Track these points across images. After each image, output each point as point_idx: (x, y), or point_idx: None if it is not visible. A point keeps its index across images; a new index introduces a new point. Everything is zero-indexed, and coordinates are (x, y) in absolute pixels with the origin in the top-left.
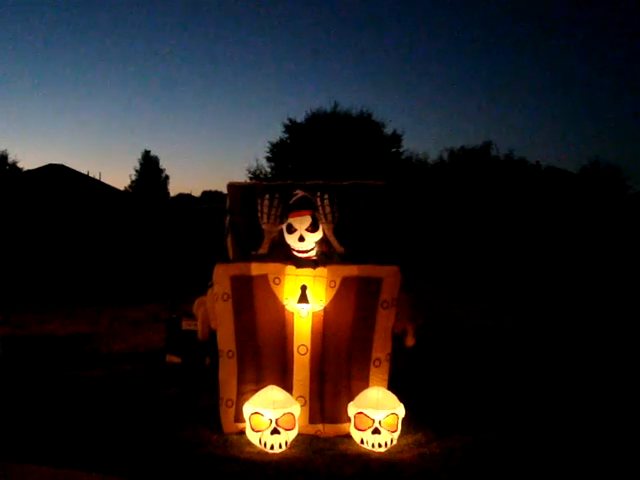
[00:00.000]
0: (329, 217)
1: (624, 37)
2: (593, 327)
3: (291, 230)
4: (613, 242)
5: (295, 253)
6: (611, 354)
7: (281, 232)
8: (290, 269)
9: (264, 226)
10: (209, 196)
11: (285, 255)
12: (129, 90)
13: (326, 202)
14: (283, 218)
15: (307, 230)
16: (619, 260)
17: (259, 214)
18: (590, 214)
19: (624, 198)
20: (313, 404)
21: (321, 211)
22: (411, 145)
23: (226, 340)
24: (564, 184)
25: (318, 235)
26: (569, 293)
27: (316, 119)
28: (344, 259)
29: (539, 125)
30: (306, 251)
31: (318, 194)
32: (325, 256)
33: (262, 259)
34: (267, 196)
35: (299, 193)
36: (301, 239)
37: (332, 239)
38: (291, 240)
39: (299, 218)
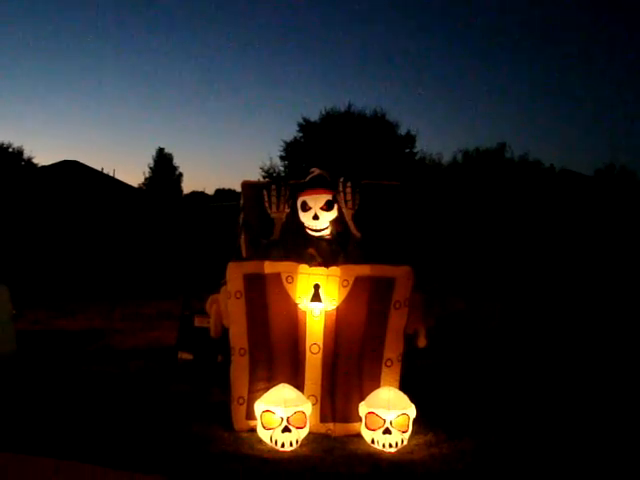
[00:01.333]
0: (349, 203)
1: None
2: (605, 330)
3: (305, 208)
4: (628, 245)
5: (309, 231)
6: (621, 358)
7: (291, 214)
8: (303, 268)
9: (273, 215)
10: (222, 194)
11: (297, 238)
12: (144, 87)
13: (348, 189)
14: (289, 202)
15: (322, 209)
16: (634, 263)
17: (266, 204)
18: (604, 217)
19: (639, 201)
20: (324, 403)
21: (342, 196)
22: (425, 146)
23: (238, 338)
24: (578, 187)
25: (332, 214)
26: (583, 296)
27: (330, 119)
28: (359, 245)
29: (554, 127)
30: (320, 230)
31: (341, 180)
32: (339, 236)
33: (274, 245)
34: (273, 187)
35: (315, 171)
36: (315, 217)
37: (350, 224)
38: (305, 218)
39: (314, 196)
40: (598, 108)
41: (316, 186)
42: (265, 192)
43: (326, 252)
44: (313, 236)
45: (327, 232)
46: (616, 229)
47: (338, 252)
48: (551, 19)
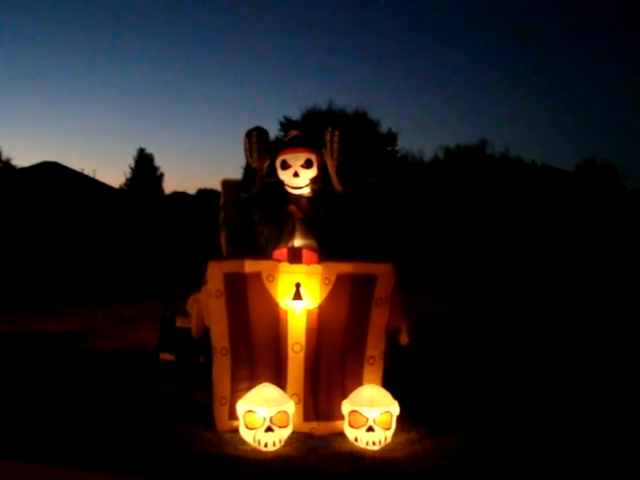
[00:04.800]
0: (335, 154)
1: (620, 35)
2: (589, 325)
3: (285, 166)
4: (609, 241)
5: (289, 189)
6: (608, 353)
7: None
8: (284, 266)
9: (253, 165)
10: (204, 194)
11: (277, 195)
12: (124, 88)
13: (335, 139)
14: (269, 154)
15: (301, 166)
16: (615, 258)
17: (247, 153)
18: (586, 213)
19: (620, 197)
20: (307, 402)
21: (328, 146)
22: (406, 143)
23: (220, 338)
24: (560, 183)
25: (312, 172)
26: (565, 291)
27: (311, 117)
28: (341, 200)
29: (535, 123)
30: (300, 187)
31: (329, 129)
32: (320, 192)
33: (254, 201)
34: (254, 133)
35: (293, 132)
36: (295, 175)
37: (334, 176)
38: (285, 176)
39: (293, 155)
40: (579, 104)
41: (296, 145)
42: (246, 139)
43: (306, 208)
44: (293, 194)
45: (307, 190)
46: (597, 224)
47: (319, 208)
48: (531, 17)
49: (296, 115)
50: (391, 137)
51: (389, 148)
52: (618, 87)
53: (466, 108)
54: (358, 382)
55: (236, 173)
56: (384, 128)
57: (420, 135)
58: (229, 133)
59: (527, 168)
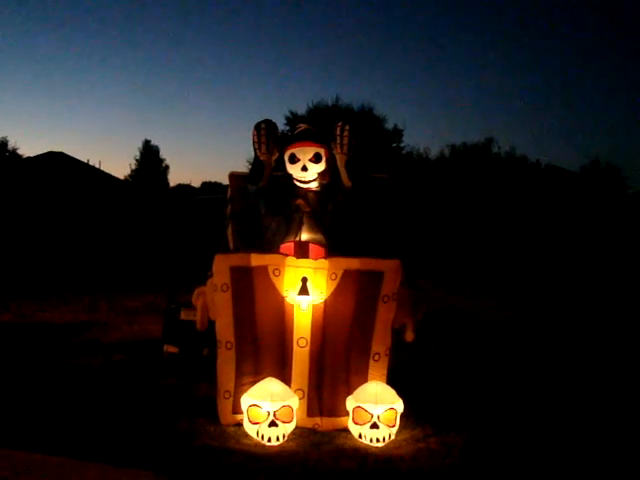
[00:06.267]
0: (345, 148)
1: (626, 36)
2: (593, 325)
3: (294, 160)
4: (613, 241)
5: (297, 183)
6: (611, 353)
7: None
8: (290, 260)
9: (262, 157)
10: (209, 187)
11: (285, 187)
12: (131, 79)
13: (346, 132)
14: (278, 146)
15: (310, 160)
16: (618, 259)
17: (255, 145)
18: (590, 213)
19: (624, 197)
20: (311, 397)
21: (338, 140)
22: (412, 140)
23: (225, 331)
24: (564, 183)
25: (321, 167)
26: (568, 291)
27: (317, 112)
28: (349, 195)
29: (541, 123)
30: (308, 181)
31: (339, 124)
32: (327, 187)
33: (262, 195)
34: (263, 125)
35: (302, 126)
36: (304, 169)
37: (342, 171)
38: (293, 170)
39: (302, 148)
40: (585, 105)
41: (305, 139)
42: (254, 132)
43: (314, 202)
44: (301, 188)
45: (315, 184)
46: (602, 224)
47: (327, 202)
48: (539, 17)
49: (302, 110)
50: (397, 133)
51: (394, 144)
52: (625, 88)
53: (473, 106)
54: (363, 378)
55: (242, 166)
56: (390, 124)
57: (426, 132)
58: (235, 127)
59: (532, 167)
